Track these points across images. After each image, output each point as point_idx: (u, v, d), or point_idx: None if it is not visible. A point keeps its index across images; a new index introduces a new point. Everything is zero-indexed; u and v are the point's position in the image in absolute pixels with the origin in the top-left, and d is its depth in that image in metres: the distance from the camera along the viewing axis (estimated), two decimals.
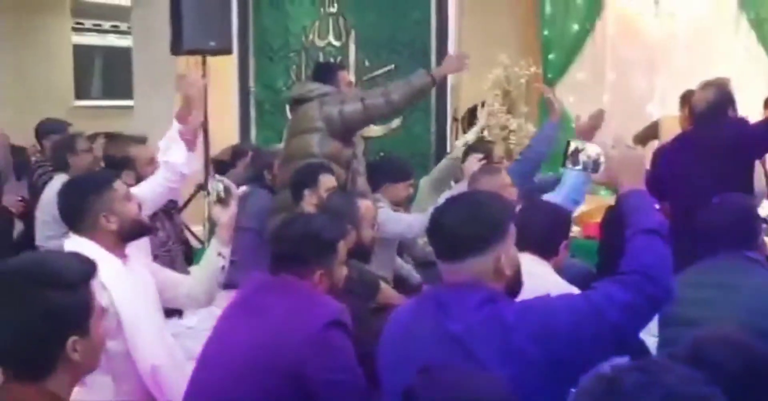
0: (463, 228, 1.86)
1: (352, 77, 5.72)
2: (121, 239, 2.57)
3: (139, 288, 2.56)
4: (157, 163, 3.28)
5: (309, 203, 3.60)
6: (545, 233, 2.69)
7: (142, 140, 3.91)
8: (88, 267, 1.59)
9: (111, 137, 4.43)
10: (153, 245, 3.55)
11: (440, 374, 1.60)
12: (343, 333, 2.27)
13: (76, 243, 2.49)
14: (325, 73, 4.34)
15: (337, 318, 2.26)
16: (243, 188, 4.79)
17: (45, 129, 5.15)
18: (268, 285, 2.41)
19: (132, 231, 2.59)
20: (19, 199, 4.77)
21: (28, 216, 4.72)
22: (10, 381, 1.52)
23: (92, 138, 4.87)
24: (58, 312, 1.49)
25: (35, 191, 4.85)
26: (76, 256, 1.64)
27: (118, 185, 2.61)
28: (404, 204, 4.33)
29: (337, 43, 5.91)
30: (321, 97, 4.10)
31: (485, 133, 5.92)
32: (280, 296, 2.34)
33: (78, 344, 1.51)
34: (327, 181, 3.69)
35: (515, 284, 1.94)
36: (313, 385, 2.20)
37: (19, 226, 4.93)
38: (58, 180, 4.62)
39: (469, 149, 4.50)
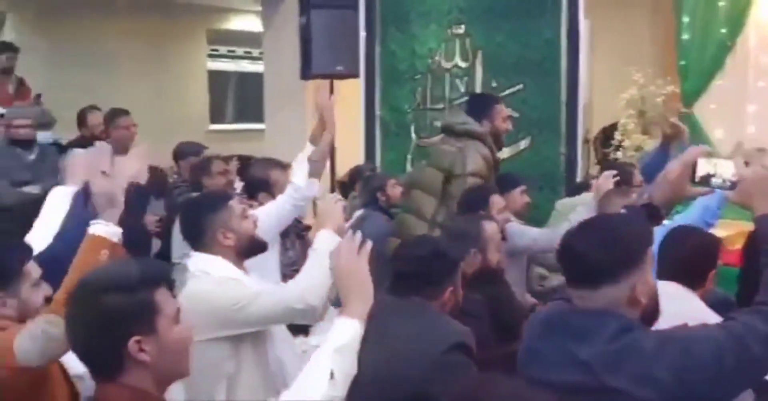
0: (597, 255, 1.78)
1: None
2: (238, 255, 2.65)
3: None
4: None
5: None
6: (693, 262, 2.55)
7: (284, 166, 3.97)
8: (155, 273, 1.67)
9: (245, 159, 4.54)
10: (282, 264, 3.60)
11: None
12: (466, 356, 2.24)
13: (199, 260, 2.60)
14: (481, 105, 4.30)
15: (461, 340, 2.23)
16: (358, 212, 4.83)
17: (182, 151, 5.34)
18: (391, 307, 2.37)
19: (248, 247, 2.66)
20: (157, 219, 4.94)
21: (165, 234, 4.89)
22: (96, 379, 1.66)
23: (226, 160, 5.02)
24: (113, 315, 1.59)
25: (173, 210, 5.02)
26: (145, 263, 1.71)
27: (235, 203, 2.70)
28: (525, 212, 4.21)
29: (463, 65, 5.87)
30: (466, 135, 4.12)
31: (619, 154, 5.73)
32: (405, 318, 2.32)
33: (144, 343, 1.59)
34: (498, 202, 3.73)
35: (652, 313, 1.84)
36: None
37: (156, 244, 5.11)
38: None
39: (605, 166, 4.34)
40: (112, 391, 1.60)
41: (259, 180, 3.90)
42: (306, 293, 2.50)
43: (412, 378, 2.17)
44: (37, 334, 1.87)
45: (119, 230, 2.36)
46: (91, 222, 2.35)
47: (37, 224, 2.85)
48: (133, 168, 2.50)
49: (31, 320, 2.15)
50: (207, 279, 2.57)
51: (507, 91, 5.66)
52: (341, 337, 1.79)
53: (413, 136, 5.96)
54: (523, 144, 5.68)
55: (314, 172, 3.46)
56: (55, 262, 2.31)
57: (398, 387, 2.17)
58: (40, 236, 2.69)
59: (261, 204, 3.58)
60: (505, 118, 4.32)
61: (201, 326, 2.23)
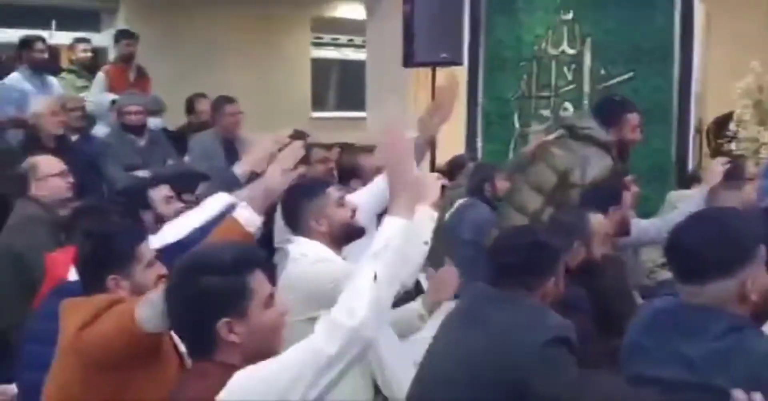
0: (706, 250, 1.74)
1: (586, 86, 5.53)
2: (332, 241, 2.68)
3: None
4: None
5: (611, 220, 3.46)
6: None
7: (370, 149, 3.99)
8: (250, 257, 1.71)
9: (346, 147, 4.57)
10: None
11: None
12: (567, 350, 2.20)
13: (299, 244, 2.67)
14: (610, 112, 4.01)
15: (562, 334, 2.20)
16: (460, 200, 4.78)
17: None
18: (492, 297, 2.36)
19: (343, 234, 2.69)
20: None
21: (267, 220, 4.96)
22: (190, 355, 1.73)
23: (327, 148, 5.05)
24: (207, 295, 1.64)
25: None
26: (241, 247, 1.77)
27: (332, 190, 2.75)
28: (635, 204, 4.03)
29: (571, 52, 5.72)
30: (588, 141, 3.93)
31: (733, 146, 5.47)
32: (504, 308, 2.31)
33: (235, 326, 1.64)
34: (628, 198, 3.66)
35: (764, 311, 1.78)
36: (532, 400, 2.15)
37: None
38: None
39: (719, 154, 4.16)
40: (204, 367, 1.66)
41: (349, 167, 3.92)
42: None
43: (509, 368, 2.15)
44: (158, 301, 1.93)
45: (259, 221, 2.49)
46: (240, 204, 2.50)
47: (182, 218, 2.95)
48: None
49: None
50: (304, 261, 2.63)
51: (616, 80, 5.50)
52: (382, 239, 1.73)
53: (516, 125, 5.86)
54: None
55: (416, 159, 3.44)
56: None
57: (494, 376, 2.16)
58: (179, 226, 2.80)
59: (354, 190, 3.59)
60: (635, 127, 3.97)
61: (300, 306, 2.29)
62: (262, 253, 1.81)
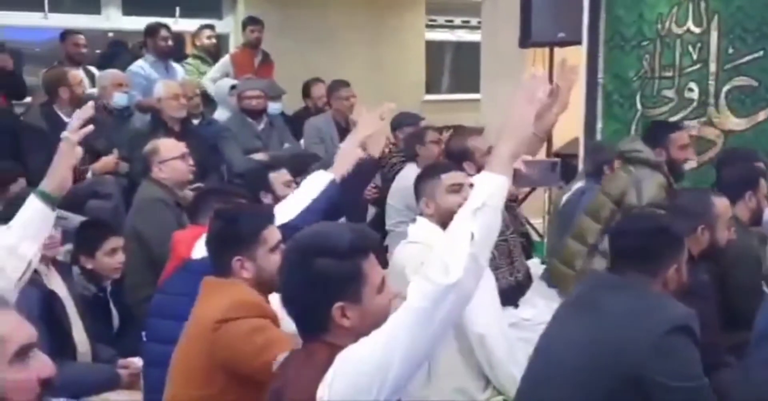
0: None
1: (713, 66, 5.29)
2: (441, 225, 2.71)
3: None
4: None
5: (749, 205, 3.44)
6: None
7: (479, 131, 3.96)
8: (365, 241, 1.71)
9: (455, 129, 4.55)
10: None
11: None
12: (689, 340, 2.12)
13: (418, 226, 2.74)
14: (656, 133, 4.13)
15: (684, 323, 2.11)
16: (578, 184, 4.66)
17: (399, 121, 5.42)
18: (610, 284, 2.29)
19: (447, 220, 2.67)
20: (374, 186, 5.06)
21: (380, 202, 5.01)
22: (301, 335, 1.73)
23: (440, 130, 5.04)
24: (322, 278, 1.64)
25: (388, 179, 5.13)
26: (355, 230, 1.75)
27: (446, 176, 2.84)
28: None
29: (696, 30, 5.46)
30: (640, 163, 3.94)
31: None
32: (623, 295, 2.24)
33: (347, 310, 1.64)
34: (764, 186, 3.54)
35: None
36: (650, 390, 2.09)
37: (371, 211, 5.24)
38: (408, 169, 4.85)
39: None
40: (314, 347, 1.67)
41: (459, 150, 3.89)
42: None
43: (625, 358, 2.09)
44: None
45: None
46: None
47: (288, 199, 3.00)
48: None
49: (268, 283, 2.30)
50: (415, 244, 2.67)
51: (745, 58, 5.22)
52: (480, 196, 1.68)
53: (639, 106, 5.66)
54: (762, 115, 5.22)
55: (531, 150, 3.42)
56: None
57: (609, 366, 2.11)
58: (287, 208, 2.84)
59: (468, 174, 3.57)
60: (682, 146, 4.04)
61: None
62: (376, 237, 1.81)
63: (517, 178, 2.50)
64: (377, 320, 1.66)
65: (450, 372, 2.70)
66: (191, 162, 4.03)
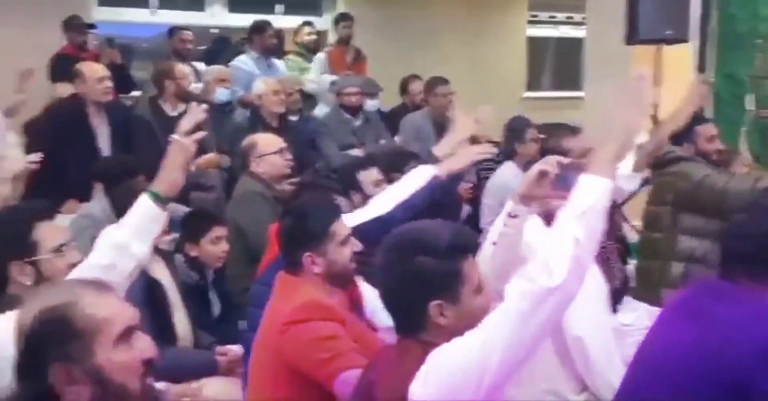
0: None
1: None
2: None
3: None
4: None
5: None
6: None
7: (575, 130, 3.84)
8: (465, 241, 1.72)
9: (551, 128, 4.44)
10: None
11: None
12: None
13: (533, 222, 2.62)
14: (681, 129, 3.92)
15: None
16: None
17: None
18: (718, 289, 2.17)
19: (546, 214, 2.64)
20: (469, 185, 5.01)
21: (475, 200, 4.96)
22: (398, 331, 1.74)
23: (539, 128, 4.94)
24: (421, 276, 1.65)
25: (482, 177, 5.07)
26: (456, 229, 1.75)
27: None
28: None
29: None
30: (677, 161, 3.83)
31: None
32: (731, 302, 2.11)
33: (445, 309, 1.64)
34: None
35: None
36: (755, 400, 1.97)
37: (466, 210, 5.19)
38: (505, 167, 4.78)
39: None
40: (409, 345, 1.68)
41: (553, 149, 3.79)
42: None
43: (730, 368, 1.98)
44: None
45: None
46: None
47: (386, 193, 3.01)
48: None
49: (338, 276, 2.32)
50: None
51: None
52: (586, 199, 1.66)
53: (749, 106, 5.43)
54: None
55: (640, 165, 3.34)
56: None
57: (712, 375, 2.00)
58: (382, 202, 2.86)
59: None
60: (709, 138, 3.98)
61: None
62: (476, 238, 1.81)
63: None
64: (474, 320, 1.64)
65: (543, 373, 2.63)
66: (289, 156, 4.07)
